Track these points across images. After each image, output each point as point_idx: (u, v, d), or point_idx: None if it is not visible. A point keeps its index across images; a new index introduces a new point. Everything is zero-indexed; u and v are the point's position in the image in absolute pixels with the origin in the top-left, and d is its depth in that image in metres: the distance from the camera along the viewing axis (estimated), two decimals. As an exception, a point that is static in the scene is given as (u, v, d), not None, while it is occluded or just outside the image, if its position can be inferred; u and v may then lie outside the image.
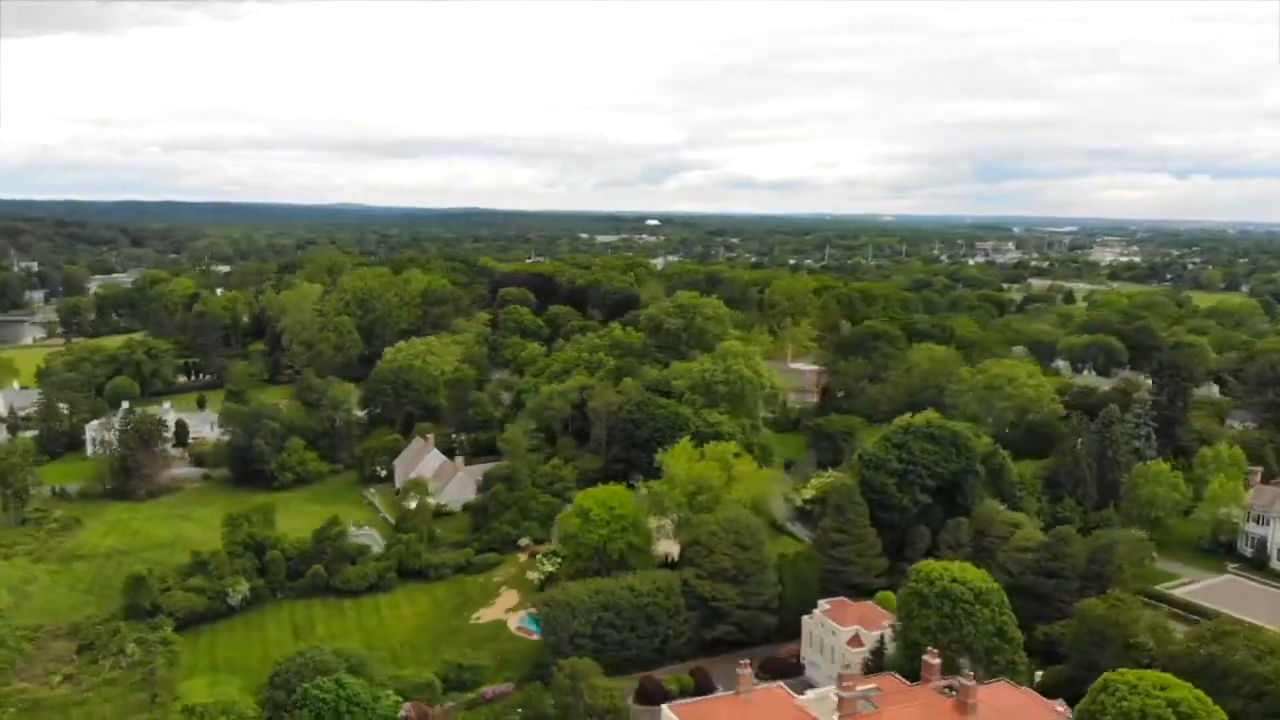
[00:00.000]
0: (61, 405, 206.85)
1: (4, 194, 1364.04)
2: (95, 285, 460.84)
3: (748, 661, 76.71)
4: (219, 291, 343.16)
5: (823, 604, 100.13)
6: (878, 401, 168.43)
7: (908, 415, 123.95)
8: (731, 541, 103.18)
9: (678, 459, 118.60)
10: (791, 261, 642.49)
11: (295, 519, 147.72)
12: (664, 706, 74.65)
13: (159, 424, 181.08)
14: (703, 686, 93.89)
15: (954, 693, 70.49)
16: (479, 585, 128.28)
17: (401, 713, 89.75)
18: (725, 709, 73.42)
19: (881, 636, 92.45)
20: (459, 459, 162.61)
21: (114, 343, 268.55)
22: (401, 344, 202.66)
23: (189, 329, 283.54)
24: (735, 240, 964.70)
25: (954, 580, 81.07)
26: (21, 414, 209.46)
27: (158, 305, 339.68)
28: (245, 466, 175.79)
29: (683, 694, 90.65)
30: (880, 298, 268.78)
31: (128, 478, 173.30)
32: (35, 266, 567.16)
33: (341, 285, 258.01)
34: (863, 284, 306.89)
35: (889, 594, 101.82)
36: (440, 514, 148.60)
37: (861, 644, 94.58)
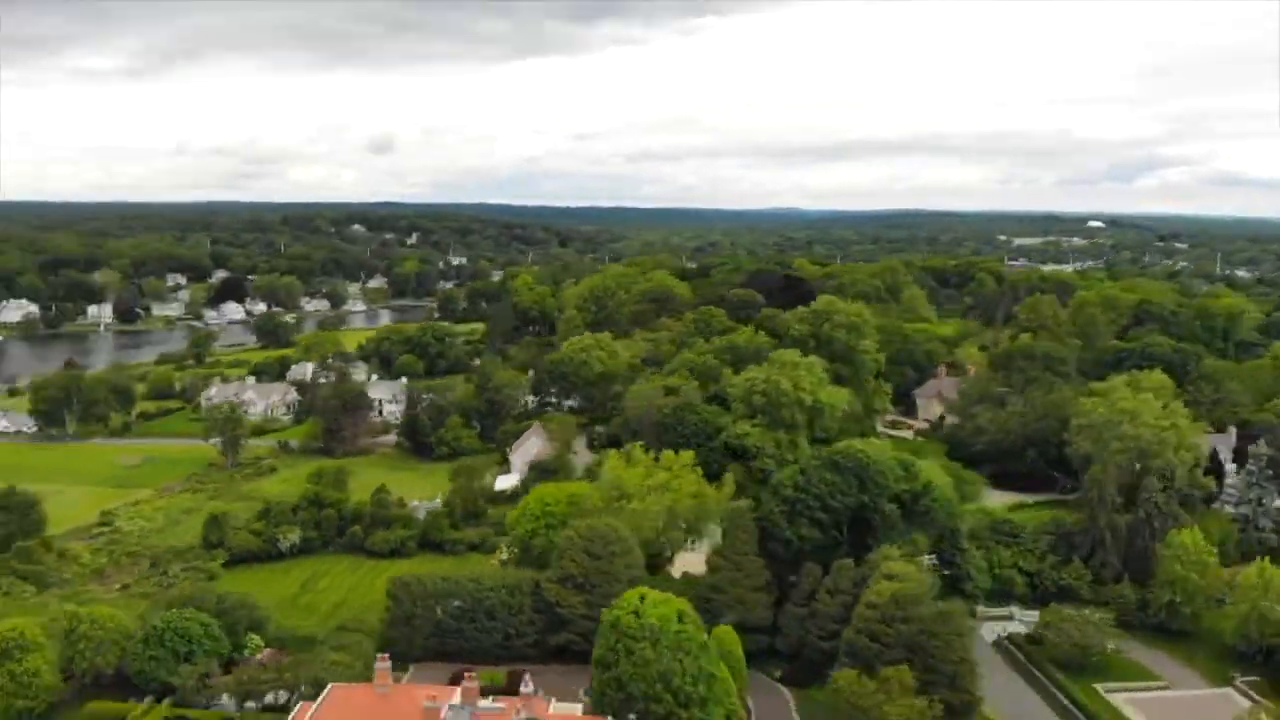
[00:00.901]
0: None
1: (494, 199, 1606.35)
2: (497, 277, 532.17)
3: (386, 655, 77.69)
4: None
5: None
6: (983, 431, 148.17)
7: (852, 441, 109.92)
8: (582, 549, 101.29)
9: (614, 461, 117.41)
10: (1227, 272, 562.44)
11: (415, 487, 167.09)
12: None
13: (362, 394, 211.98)
14: (512, 688, 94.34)
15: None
16: (478, 562, 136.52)
17: (259, 656, 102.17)
18: (360, 697, 75.69)
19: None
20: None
21: (411, 327, 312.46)
22: (575, 339, 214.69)
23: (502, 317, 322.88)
24: (1182, 246, 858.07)
25: (633, 612, 74.52)
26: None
27: (506, 296, 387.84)
28: (415, 438, 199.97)
29: (491, 692, 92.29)
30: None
31: (330, 438, 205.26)
32: (463, 261, 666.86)
33: (583, 283, 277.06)
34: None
35: (727, 627, 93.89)
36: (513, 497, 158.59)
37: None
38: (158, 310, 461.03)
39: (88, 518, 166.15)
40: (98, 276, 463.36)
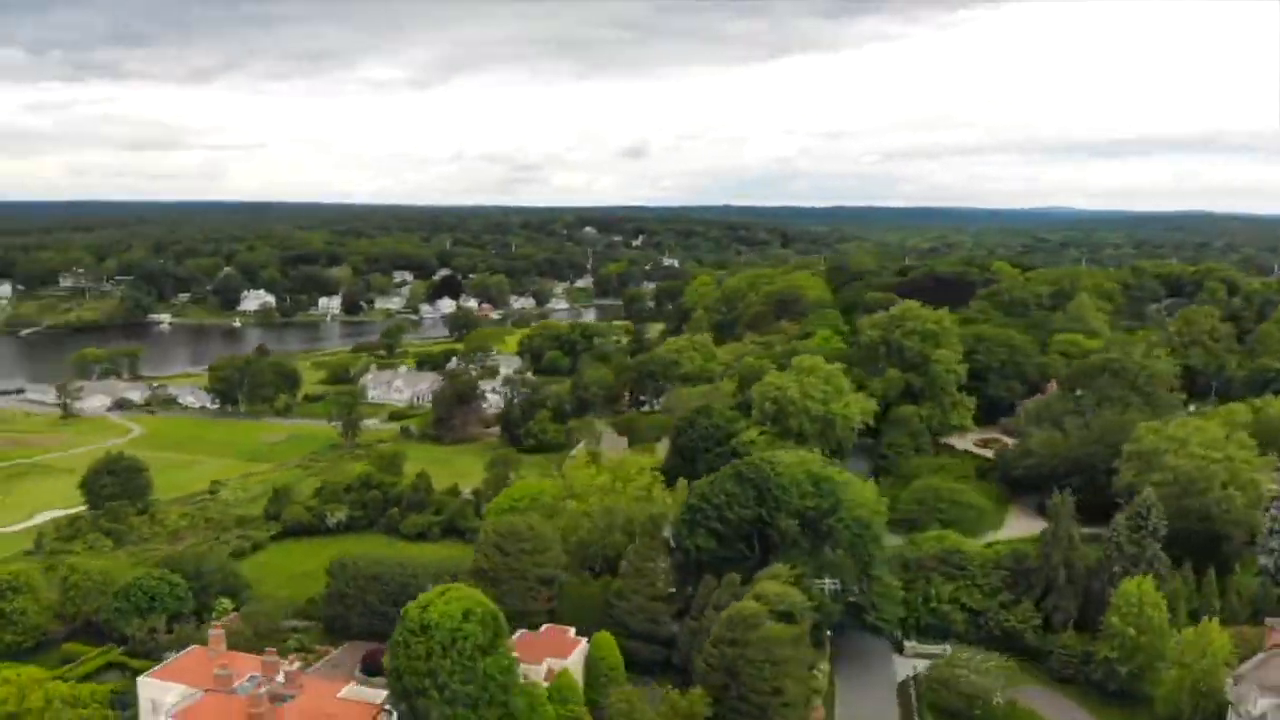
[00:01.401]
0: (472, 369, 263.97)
1: (741, 201, 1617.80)
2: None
3: (220, 625, 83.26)
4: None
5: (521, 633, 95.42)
6: (1031, 454, 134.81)
7: (773, 453, 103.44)
8: (494, 544, 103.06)
9: (579, 461, 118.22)
10: None
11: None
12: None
13: (473, 388, 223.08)
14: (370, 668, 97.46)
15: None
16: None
17: (225, 619, 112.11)
18: (199, 656, 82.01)
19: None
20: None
21: (563, 325, 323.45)
22: (672, 340, 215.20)
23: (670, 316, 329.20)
24: None
25: (422, 607, 75.62)
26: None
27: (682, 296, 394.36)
28: (510, 430, 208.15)
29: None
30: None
31: (440, 426, 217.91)
32: (674, 263, 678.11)
33: (723, 284, 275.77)
34: None
35: (605, 634, 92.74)
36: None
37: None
38: (380, 304, 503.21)
39: (201, 486, 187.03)
40: (333, 272, 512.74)
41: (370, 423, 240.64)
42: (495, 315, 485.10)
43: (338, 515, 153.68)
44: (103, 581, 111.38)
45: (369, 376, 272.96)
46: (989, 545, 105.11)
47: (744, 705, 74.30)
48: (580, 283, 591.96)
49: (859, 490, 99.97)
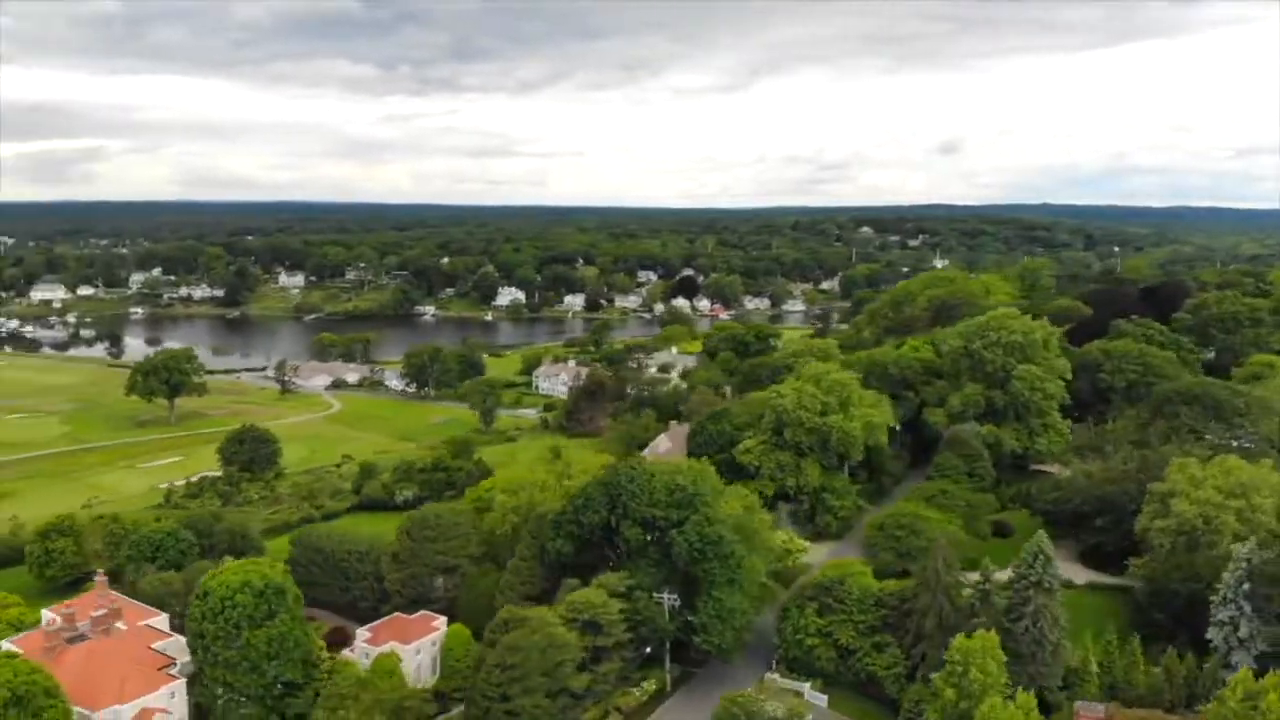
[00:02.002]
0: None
1: (1067, 199, 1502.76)
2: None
3: (104, 573, 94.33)
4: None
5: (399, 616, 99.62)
6: (1059, 487, 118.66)
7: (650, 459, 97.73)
8: (406, 530, 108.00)
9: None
10: None
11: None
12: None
13: (602, 384, 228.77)
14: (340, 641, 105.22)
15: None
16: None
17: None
18: (79, 602, 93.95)
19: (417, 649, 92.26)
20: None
21: (741, 327, 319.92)
22: (794, 343, 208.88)
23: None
24: None
25: (212, 578, 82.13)
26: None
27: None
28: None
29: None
30: None
31: (569, 418, 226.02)
32: (944, 264, 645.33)
33: (896, 287, 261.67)
34: None
35: (458, 625, 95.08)
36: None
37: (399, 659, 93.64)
38: (619, 302, 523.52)
39: (334, 459, 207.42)
40: (581, 271, 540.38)
41: (528, 412, 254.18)
42: (725, 316, 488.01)
43: (405, 493, 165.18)
44: (134, 533, 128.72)
45: (541, 370, 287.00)
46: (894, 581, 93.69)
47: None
48: (827, 284, 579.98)
49: (732, 506, 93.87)
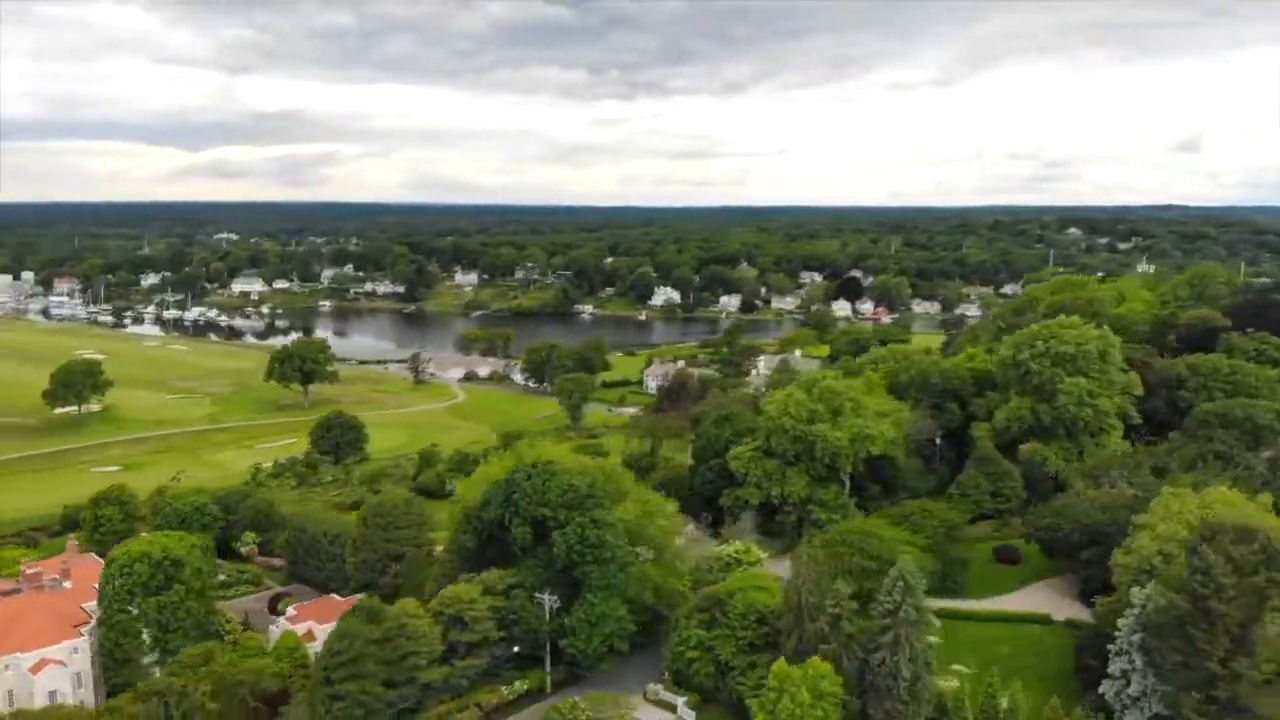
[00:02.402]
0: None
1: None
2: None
3: (75, 537, 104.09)
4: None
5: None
6: (1057, 514, 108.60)
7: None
8: (364, 516, 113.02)
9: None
10: None
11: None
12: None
13: (686, 384, 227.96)
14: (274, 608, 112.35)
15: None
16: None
17: (245, 549, 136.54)
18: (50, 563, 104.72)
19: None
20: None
21: (865, 329, 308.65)
22: (894, 347, 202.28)
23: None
24: None
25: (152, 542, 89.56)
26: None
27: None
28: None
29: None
30: None
31: (654, 410, 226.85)
32: (1147, 269, 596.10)
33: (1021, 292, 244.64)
34: None
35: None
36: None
37: (314, 638, 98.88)
38: (776, 303, 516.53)
39: (418, 448, 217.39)
40: (739, 271, 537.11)
41: (629, 410, 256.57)
42: (887, 320, 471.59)
43: (453, 482, 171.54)
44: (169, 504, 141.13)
45: (650, 369, 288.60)
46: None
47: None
48: (1010, 288, 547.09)
49: (627, 510, 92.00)
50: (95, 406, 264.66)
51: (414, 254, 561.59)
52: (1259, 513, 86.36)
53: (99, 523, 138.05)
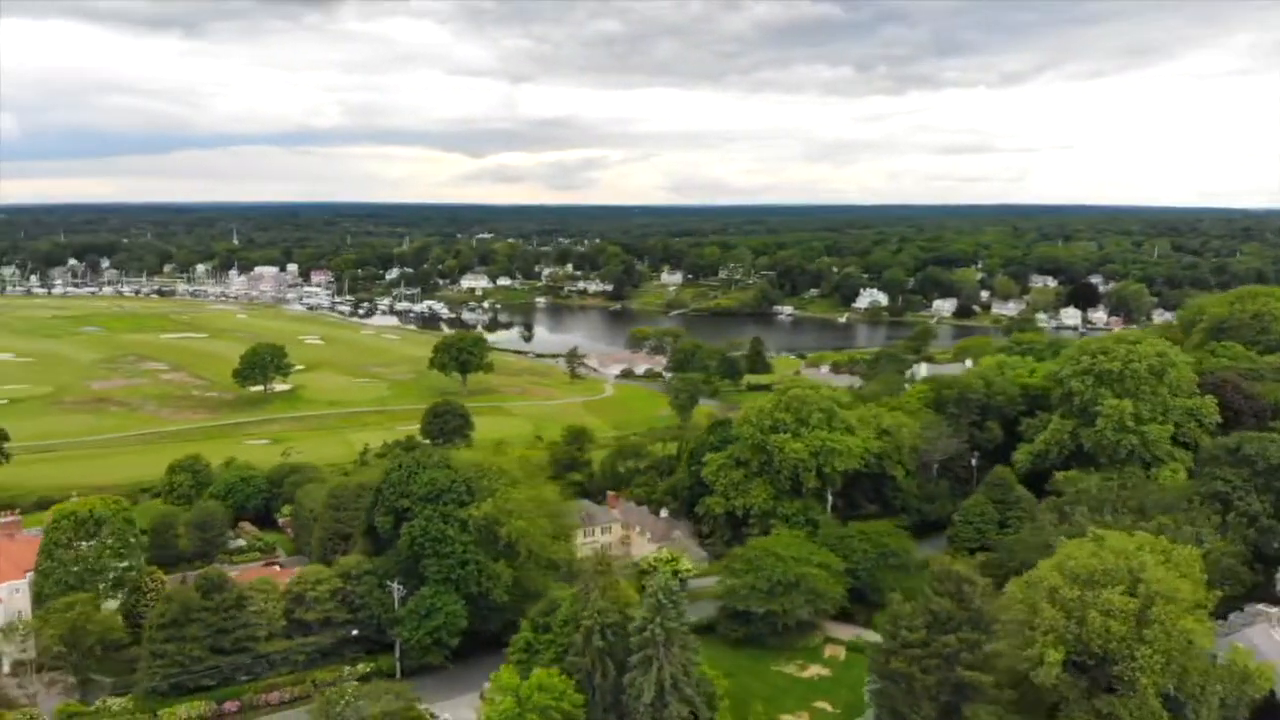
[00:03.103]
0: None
1: None
2: None
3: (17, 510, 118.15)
4: None
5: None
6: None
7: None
8: (328, 500, 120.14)
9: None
10: None
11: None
12: None
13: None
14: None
15: None
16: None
17: (284, 520, 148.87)
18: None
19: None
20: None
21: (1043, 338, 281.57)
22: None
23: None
24: None
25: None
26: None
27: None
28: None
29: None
30: None
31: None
32: None
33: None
34: None
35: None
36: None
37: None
38: (997, 309, 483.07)
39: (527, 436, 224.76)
40: (957, 274, 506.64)
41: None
42: (1120, 330, 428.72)
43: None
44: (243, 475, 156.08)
45: (797, 371, 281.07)
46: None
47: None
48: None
49: (482, 508, 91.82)
50: (285, 386, 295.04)
51: (626, 253, 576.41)
52: (1149, 568, 73.22)
53: (172, 487, 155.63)
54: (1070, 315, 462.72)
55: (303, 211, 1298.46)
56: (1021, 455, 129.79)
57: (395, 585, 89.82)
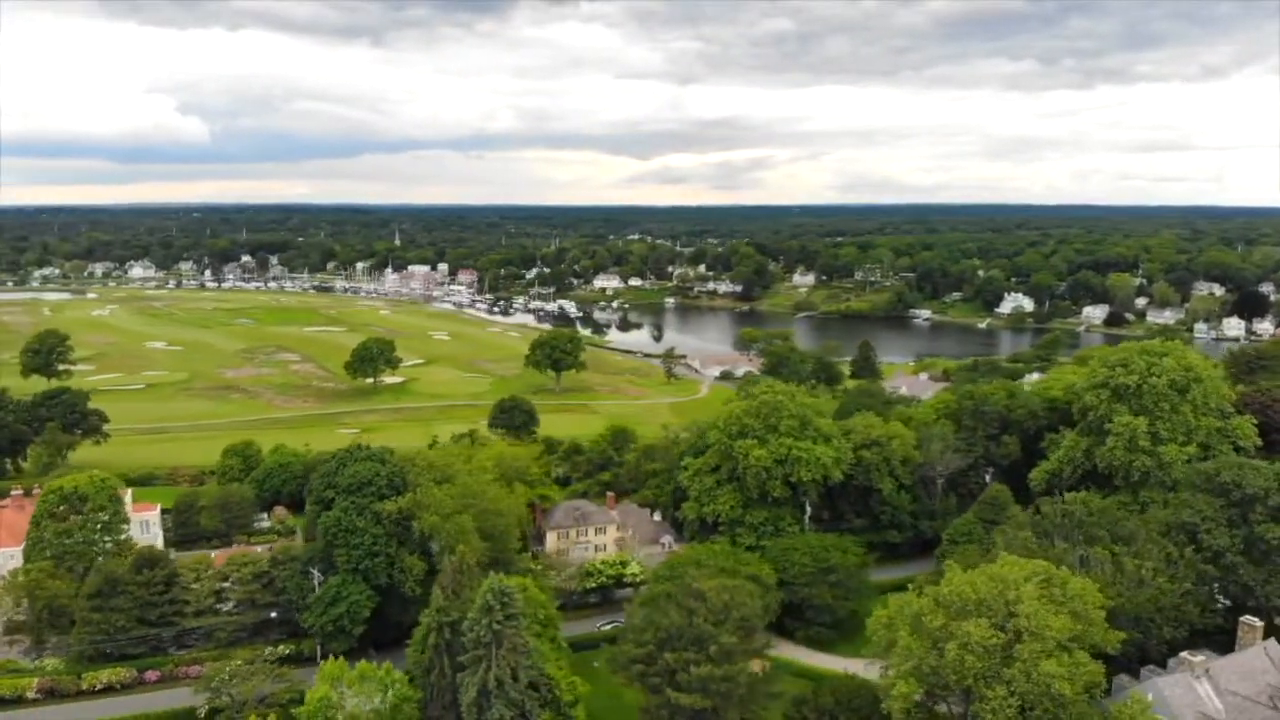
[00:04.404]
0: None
1: None
2: None
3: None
4: None
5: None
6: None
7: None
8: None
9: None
10: None
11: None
12: None
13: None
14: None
15: None
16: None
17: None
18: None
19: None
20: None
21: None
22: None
23: None
24: None
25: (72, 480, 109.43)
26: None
27: None
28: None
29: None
30: None
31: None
32: None
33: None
34: None
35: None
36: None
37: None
38: (1152, 317, 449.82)
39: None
40: (1111, 280, 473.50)
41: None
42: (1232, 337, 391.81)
43: (558, 470, 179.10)
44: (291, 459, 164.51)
45: (893, 380, 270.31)
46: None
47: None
48: None
49: (402, 502, 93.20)
50: (398, 378, 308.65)
51: (760, 254, 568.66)
52: (1026, 600, 66.78)
53: (224, 470, 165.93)
54: (1233, 326, 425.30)
55: (473, 214, 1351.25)
56: (1037, 474, 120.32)
57: (315, 572, 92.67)
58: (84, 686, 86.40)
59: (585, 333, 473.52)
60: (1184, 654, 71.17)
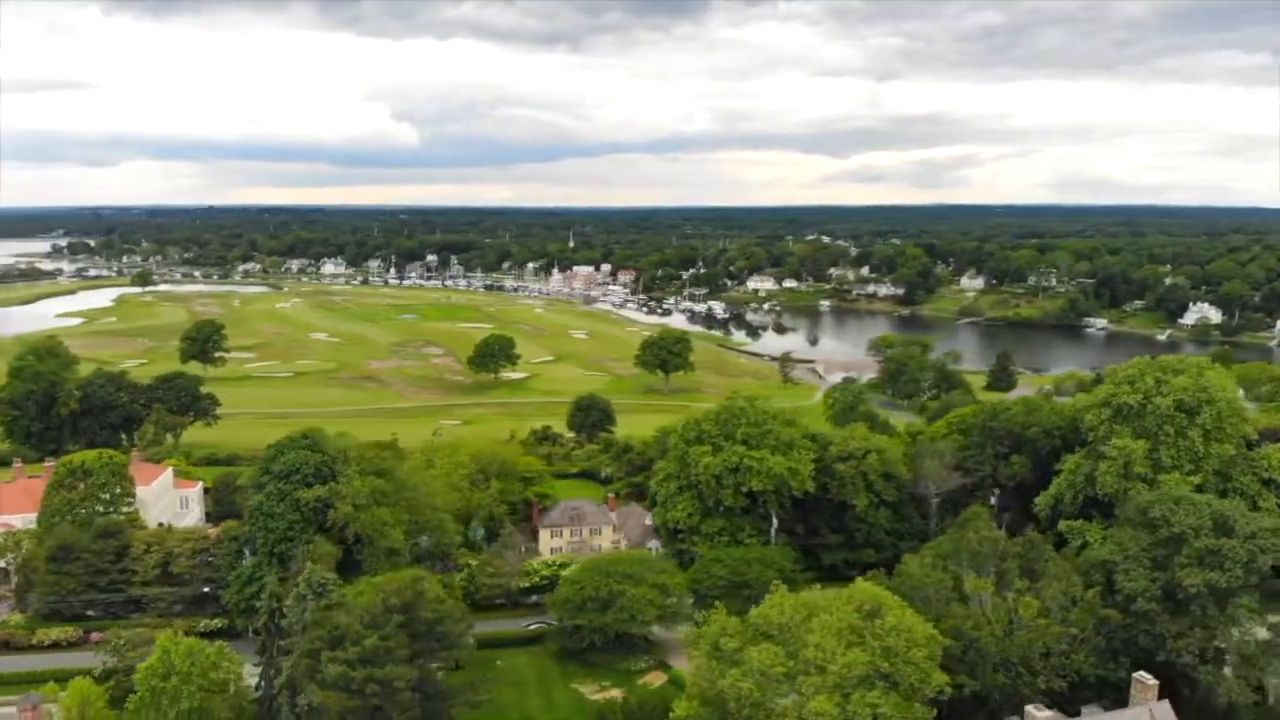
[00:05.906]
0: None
1: None
2: None
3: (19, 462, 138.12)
4: None
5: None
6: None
7: None
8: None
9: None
10: None
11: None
12: None
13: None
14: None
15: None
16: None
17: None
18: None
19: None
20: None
21: None
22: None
23: None
24: None
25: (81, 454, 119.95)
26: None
27: None
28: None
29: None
30: None
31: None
32: None
33: None
34: None
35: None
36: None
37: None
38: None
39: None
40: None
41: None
42: None
43: (606, 470, 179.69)
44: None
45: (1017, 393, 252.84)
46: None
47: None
48: None
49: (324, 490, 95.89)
50: (519, 374, 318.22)
51: (929, 256, 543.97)
52: (818, 631, 61.77)
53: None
54: None
55: (663, 216, 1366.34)
56: (1043, 499, 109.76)
57: (247, 553, 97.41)
58: (34, 641, 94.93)
59: (736, 335, 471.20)
60: (1029, 708, 63.04)
